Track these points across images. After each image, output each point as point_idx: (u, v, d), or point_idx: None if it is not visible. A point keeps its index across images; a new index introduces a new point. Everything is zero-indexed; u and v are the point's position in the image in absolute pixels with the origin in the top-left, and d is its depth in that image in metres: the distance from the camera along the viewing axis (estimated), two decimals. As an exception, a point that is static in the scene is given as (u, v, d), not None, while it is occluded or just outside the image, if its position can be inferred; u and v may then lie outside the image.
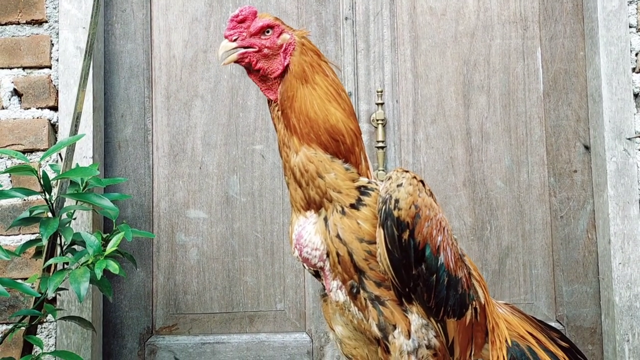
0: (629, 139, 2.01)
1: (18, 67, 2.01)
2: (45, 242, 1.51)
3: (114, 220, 1.66)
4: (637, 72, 2.04)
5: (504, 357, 1.34)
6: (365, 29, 2.14)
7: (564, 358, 1.41)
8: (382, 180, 1.26)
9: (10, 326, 1.68)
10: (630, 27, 2.04)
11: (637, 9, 2.04)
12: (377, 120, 2.07)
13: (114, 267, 1.42)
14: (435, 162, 2.11)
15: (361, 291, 1.24)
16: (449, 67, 2.14)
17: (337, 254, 1.22)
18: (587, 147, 2.11)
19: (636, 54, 2.04)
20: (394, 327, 1.23)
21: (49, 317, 1.90)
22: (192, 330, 2.08)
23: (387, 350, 1.24)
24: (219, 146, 2.12)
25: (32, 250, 1.83)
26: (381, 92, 2.08)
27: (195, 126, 2.13)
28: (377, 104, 2.08)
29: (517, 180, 2.11)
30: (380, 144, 2.07)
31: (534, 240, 2.10)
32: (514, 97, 2.13)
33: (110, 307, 2.07)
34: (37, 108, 2.00)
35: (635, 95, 2.03)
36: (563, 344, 1.46)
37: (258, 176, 2.11)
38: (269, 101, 1.30)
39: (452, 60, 2.14)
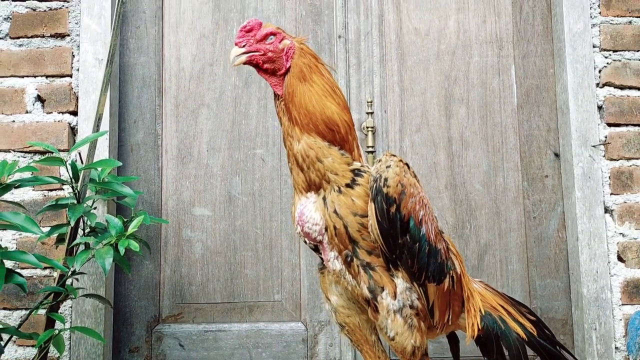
0: (593, 146, 2.24)
1: (42, 76, 2.21)
2: (72, 223, 1.68)
3: (132, 208, 1.84)
4: (601, 87, 2.27)
5: (477, 324, 1.53)
6: (357, 46, 2.37)
7: (531, 328, 1.60)
8: (374, 164, 1.46)
9: (29, 311, 1.83)
10: (594, 47, 2.28)
11: (599, 30, 2.29)
12: (367, 127, 2.29)
13: (134, 245, 1.60)
14: (420, 166, 2.32)
15: (354, 259, 1.43)
16: (432, 81, 2.37)
17: (334, 227, 1.42)
18: (556, 154, 2.34)
19: (599, 71, 2.28)
20: (382, 289, 1.42)
21: (66, 303, 2.07)
22: (196, 319, 2.24)
23: (376, 310, 1.42)
24: (223, 150, 2.32)
25: (52, 240, 2.00)
26: (371, 102, 2.30)
27: (201, 132, 2.33)
28: (367, 113, 2.30)
29: (494, 184, 2.32)
30: (370, 149, 2.28)
31: (510, 239, 2.30)
32: (491, 109, 2.36)
33: (120, 297, 2.24)
34: (59, 112, 2.20)
35: (599, 108, 2.26)
36: (531, 317, 1.65)
37: (258, 178, 2.31)
38: (275, 97, 1.50)
39: (435, 76, 2.37)
